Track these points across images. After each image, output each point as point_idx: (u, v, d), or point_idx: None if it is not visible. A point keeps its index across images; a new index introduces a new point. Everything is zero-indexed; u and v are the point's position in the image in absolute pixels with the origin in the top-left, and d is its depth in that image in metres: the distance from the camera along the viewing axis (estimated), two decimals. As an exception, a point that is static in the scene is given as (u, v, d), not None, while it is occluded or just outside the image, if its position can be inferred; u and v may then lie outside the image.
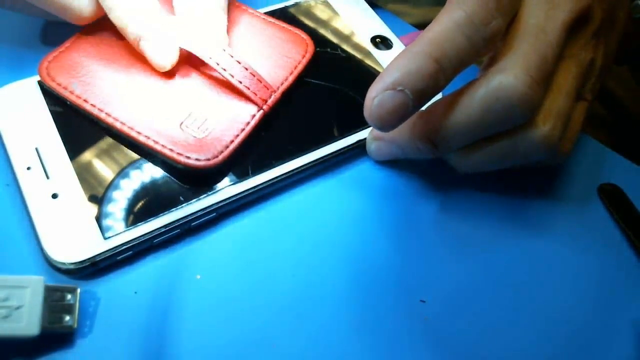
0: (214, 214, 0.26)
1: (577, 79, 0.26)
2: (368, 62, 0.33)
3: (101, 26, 0.30)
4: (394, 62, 0.24)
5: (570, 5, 0.25)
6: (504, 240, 0.28)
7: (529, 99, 0.23)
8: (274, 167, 0.27)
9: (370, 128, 0.29)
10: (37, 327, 0.21)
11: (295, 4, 0.35)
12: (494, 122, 0.24)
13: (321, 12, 0.35)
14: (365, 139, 0.29)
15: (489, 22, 0.24)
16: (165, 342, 0.23)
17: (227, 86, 0.29)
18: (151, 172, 0.27)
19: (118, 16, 0.28)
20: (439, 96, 0.29)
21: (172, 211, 0.25)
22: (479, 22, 0.23)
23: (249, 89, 0.28)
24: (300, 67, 0.31)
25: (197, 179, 0.26)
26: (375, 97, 0.23)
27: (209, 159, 0.26)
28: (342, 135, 0.29)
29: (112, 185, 0.26)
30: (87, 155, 0.27)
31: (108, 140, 0.27)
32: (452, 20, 0.23)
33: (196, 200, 0.26)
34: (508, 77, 0.23)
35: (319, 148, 0.29)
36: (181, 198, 0.26)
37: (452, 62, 0.23)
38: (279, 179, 0.27)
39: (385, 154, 0.29)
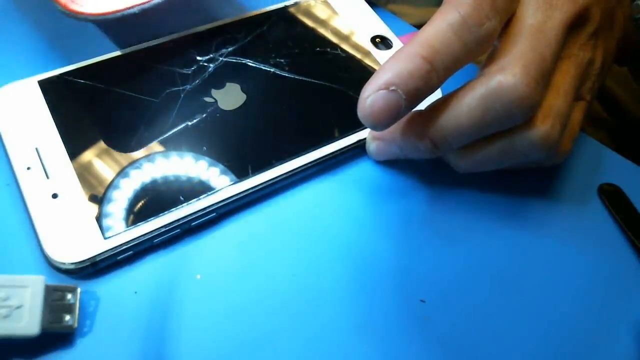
0: (214, 214, 0.26)
1: (575, 79, 0.26)
2: (368, 61, 0.33)
3: None
4: (387, 62, 0.24)
5: (568, 6, 0.25)
6: (504, 240, 0.28)
7: (528, 99, 0.23)
8: (274, 167, 0.27)
9: None
10: (37, 327, 0.21)
11: (295, 4, 0.35)
12: (493, 122, 0.24)
13: (321, 12, 0.35)
14: (365, 138, 0.29)
15: (482, 24, 0.24)
16: (165, 342, 0.23)
17: None
18: (151, 172, 0.27)
19: None
20: (438, 95, 0.29)
21: (172, 211, 0.25)
22: (472, 23, 0.23)
23: None
24: None
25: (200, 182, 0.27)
26: (368, 97, 0.24)
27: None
28: (342, 135, 0.29)
29: (112, 185, 0.26)
30: (87, 155, 0.27)
31: (108, 140, 0.27)
32: (445, 22, 0.24)
33: (196, 200, 0.26)
34: (507, 76, 0.23)
35: (319, 148, 0.29)
36: (181, 198, 0.26)
37: (444, 63, 0.24)
38: (278, 178, 0.27)
39: (385, 153, 0.29)
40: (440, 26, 0.24)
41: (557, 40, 0.25)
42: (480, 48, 0.24)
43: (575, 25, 0.26)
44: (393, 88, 0.23)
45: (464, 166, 0.27)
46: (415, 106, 0.24)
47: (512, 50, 0.24)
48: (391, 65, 0.24)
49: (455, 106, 0.25)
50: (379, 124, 0.24)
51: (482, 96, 0.24)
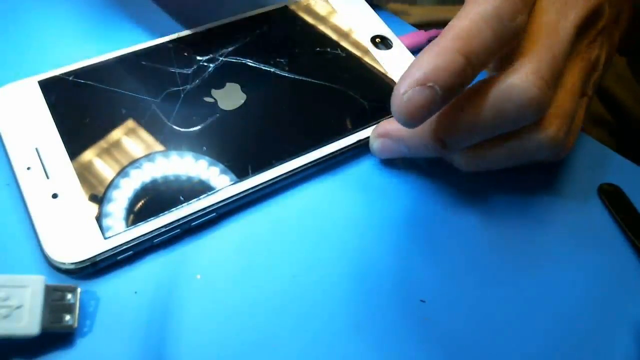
0: (214, 214, 0.26)
1: (583, 78, 0.26)
2: (368, 61, 0.33)
3: None
4: (422, 57, 0.23)
5: (582, 3, 0.25)
6: (504, 240, 0.28)
7: (540, 101, 0.23)
8: (274, 167, 0.27)
9: (374, 126, 0.29)
10: (37, 327, 0.21)
11: (295, 4, 0.35)
12: (504, 123, 0.24)
13: (321, 12, 0.35)
14: (365, 138, 0.29)
15: (515, 17, 0.23)
16: (165, 342, 0.23)
17: None
18: (151, 172, 0.27)
19: None
20: None
21: (172, 211, 0.25)
22: (506, 16, 0.23)
23: None
24: None
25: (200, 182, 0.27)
26: (405, 93, 0.23)
27: None
28: (342, 134, 0.29)
29: (112, 185, 0.26)
30: (87, 155, 0.27)
31: (108, 139, 0.27)
32: (479, 14, 0.23)
33: (196, 200, 0.26)
34: (520, 78, 0.23)
35: (319, 148, 0.29)
36: (181, 198, 0.26)
37: (479, 58, 0.23)
38: (279, 178, 0.27)
39: (390, 151, 0.29)
40: (474, 19, 0.23)
41: (569, 40, 0.25)
42: (511, 42, 0.24)
43: (587, 23, 0.26)
44: (430, 84, 0.23)
45: (470, 166, 0.27)
46: (448, 102, 0.24)
47: (525, 51, 0.24)
48: (427, 60, 0.23)
49: (468, 107, 0.24)
50: (414, 121, 0.23)
51: (494, 97, 0.24)
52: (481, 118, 0.24)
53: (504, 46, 0.24)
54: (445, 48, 0.23)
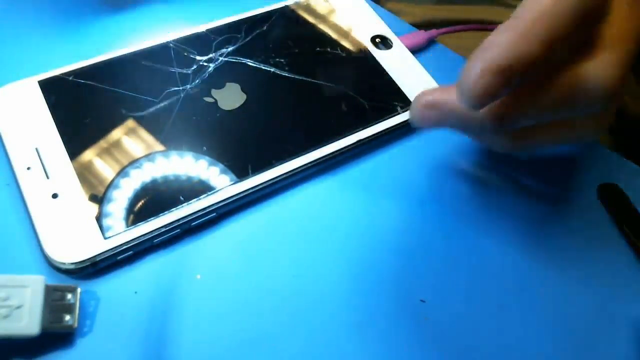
0: (214, 214, 0.26)
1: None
2: (368, 62, 0.33)
3: None
4: (499, 37, 0.22)
5: None
6: (504, 240, 0.28)
7: (614, 92, 0.23)
8: (274, 167, 0.27)
9: (418, 94, 0.27)
10: (37, 327, 0.21)
11: (295, 4, 0.35)
12: (572, 108, 0.24)
13: (321, 12, 0.35)
14: (365, 138, 0.29)
15: (598, 2, 0.23)
16: (165, 342, 0.23)
17: None
18: (151, 172, 0.27)
19: None
20: None
21: (172, 211, 0.25)
22: (587, 5, 0.22)
23: None
24: None
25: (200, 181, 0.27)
26: (478, 75, 0.21)
27: None
28: (342, 134, 0.29)
29: (112, 185, 0.26)
30: (87, 155, 0.27)
31: (108, 139, 0.27)
32: (559, 1, 0.22)
33: (196, 200, 0.26)
34: (598, 67, 0.23)
35: (319, 148, 0.29)
36: (181, 198, 0.26)
37: (558, 42, 0.22)
38: (279, 179, 0.27)
39: (436, 122, 0.27)
40: (552, 5, 0.22)
41: None
42: (591, 28, 0.23)
43: None
44: (506, 67, 0.21)
45: (514, 147, 0.26)
46: (520, 85, 0.23)
47: (605, 41, 0.23)
48: (505, 41, 0.22)
49: (535, 87, 0.23)
50: (481, 102, 0.22)
51: (567, 82, 0.23)
52: (550, 101, 0.23)
53: (584, 31, 0.23)
54: (524, 29, 0.22)
